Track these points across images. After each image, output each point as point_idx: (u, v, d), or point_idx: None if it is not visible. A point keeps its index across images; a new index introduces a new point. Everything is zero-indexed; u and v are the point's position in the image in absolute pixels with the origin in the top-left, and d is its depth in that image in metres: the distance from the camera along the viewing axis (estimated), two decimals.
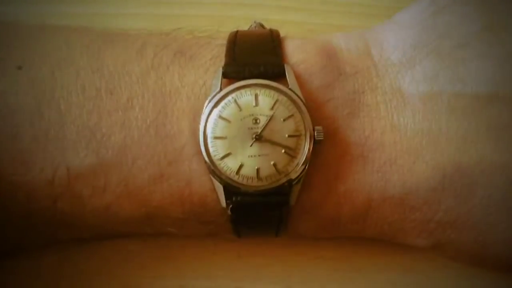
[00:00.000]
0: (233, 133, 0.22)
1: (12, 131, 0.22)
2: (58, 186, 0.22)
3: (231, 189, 0.22)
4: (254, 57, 0.23)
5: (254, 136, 0.22)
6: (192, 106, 0.23)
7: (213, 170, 0.22)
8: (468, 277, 0.27)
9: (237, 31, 0.25)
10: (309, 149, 0.22)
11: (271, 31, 0.25)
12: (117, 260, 0.27)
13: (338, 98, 0.23)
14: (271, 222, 0.23)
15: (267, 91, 0.22)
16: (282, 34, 0.25)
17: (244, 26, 0.26)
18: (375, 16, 0.31)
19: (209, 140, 0.22)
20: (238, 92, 0.22)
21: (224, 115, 0.22)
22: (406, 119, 0.23)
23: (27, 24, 0.25)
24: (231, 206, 0.22)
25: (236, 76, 0.23)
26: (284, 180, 0.22)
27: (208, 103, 0.22)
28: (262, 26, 0.26)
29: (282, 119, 0.22)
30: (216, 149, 0.22)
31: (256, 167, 0.22)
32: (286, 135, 0.22)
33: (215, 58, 0.23)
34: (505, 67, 0.22)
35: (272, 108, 0.22)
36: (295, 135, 0.22)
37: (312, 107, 0.23)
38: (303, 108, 0.22)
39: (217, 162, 0.22)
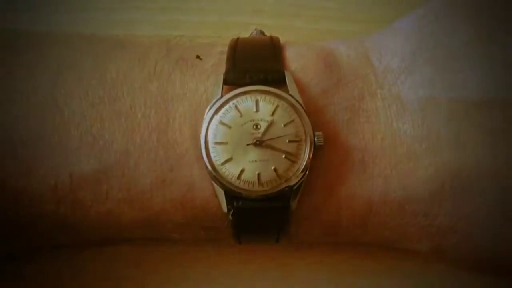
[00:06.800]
0: (234, 139, 0.22)
1: (16, 137, 0.22)
2: (61, 192, 0.22)
3: (232, 194, 0.22)
4: (255, 63, 0.23)
5: (254, 141, 0.22)
6: (193, 112, 0.23)
7: (214, 175, 0.22)
8: (469, 282, 0.27)
9: (238, 38, 0.25)
10: (309, 154, 0.22)
11: (271, 37, 0.25)
12: (118, 266, 0.27)
13: (338, 103, 0.23)
14: (272, 227, 0.23)
15: (268, 97, 0.23)
16: (282, 40, 0.25)
17: (246, 33, 0.27)
18: (374, 22, 0.31)
19: (210, 146, 0.22)
20: (239, 98, 0.22)
21: (225, 121, 0.22)
22: (406, 124, 0.23)
23: (30, 30, 0.25)
24: (232, 211, 0.22)
25: (237, 82, 0.23)
26: (284, 185, 0.22)
27: (209, 109, 0.22)
28: (262, 33, 0.26)
29: (282, 125, 0.22)
30: (217, 155, 0.22)
31: (257, 172, 0.22)
32: (287, 141, 0.22)
33: (216, 65, 0.24)
34: (500, 73, 0.22)
35: (272, 114, 0.22)
36: (296, 141, 0.22)
37: (312, 113, 0.23)
38: (303, 113, 0.22)
39: (218, 168, 0.22)
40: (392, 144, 0.23)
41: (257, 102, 0.22)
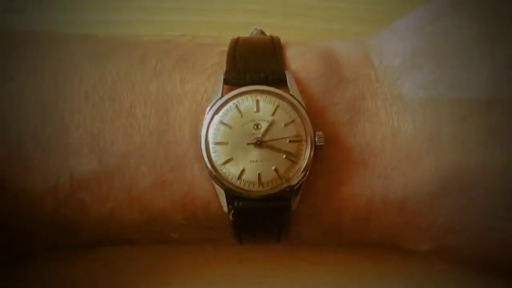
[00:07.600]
0: (235, 139, 0.22)
1: (16, 138, 0.22)
2: (62, 193, 0.22)
3: (233, 194, 0.22)
4: (255, 63, 0.23)
5: (255, 141, 0.22)
6: (193, 112, 0.23)
7: (215, 175, 0.22)
8: (470, 283, 0.27)
9: (238, 38, 0.25)
10: (310, 155, 0.22)
11: (271, 37, 0.25)
12: (119, 267, 0.27)
13: (338, 103, 0.23)
14: (272, 227, 0.23)
15: (268, 97, 0.22)
16: (283, 40, 0.25)
17: (246, 32, 0.27)
18: (375, 21, 0.31)
19: (210, 146, 0.22)
20: (239, 98, 0.22)
21: (225, 121, 0.22)
22: (406, 124, 0.23)
23: (30, 31, 0.25)
24: (233, 211, 0.22)
25: (237, 82, 0.23)
26: (285, 185, 0.22)
27: (209, 109, 0.22)
28: (262, 32, 0.26)
29: (283, 125, 0.22)
30: (218, 155, 0.22)
31: (257, 172, 0.22)
32: (287, 141, 0.22)
33: (216, 65, 0.24)
34: (502, 72, 0.22)
35: (273, 114, 0.22)
36: (296, 141, 0.22)
37: (312, 113, 0.23)
38: (304, 113, 0.22)
39: (219, 168, 0.22)
40: (393, 144, 0.23)
41: (257, 102, 0.22)
